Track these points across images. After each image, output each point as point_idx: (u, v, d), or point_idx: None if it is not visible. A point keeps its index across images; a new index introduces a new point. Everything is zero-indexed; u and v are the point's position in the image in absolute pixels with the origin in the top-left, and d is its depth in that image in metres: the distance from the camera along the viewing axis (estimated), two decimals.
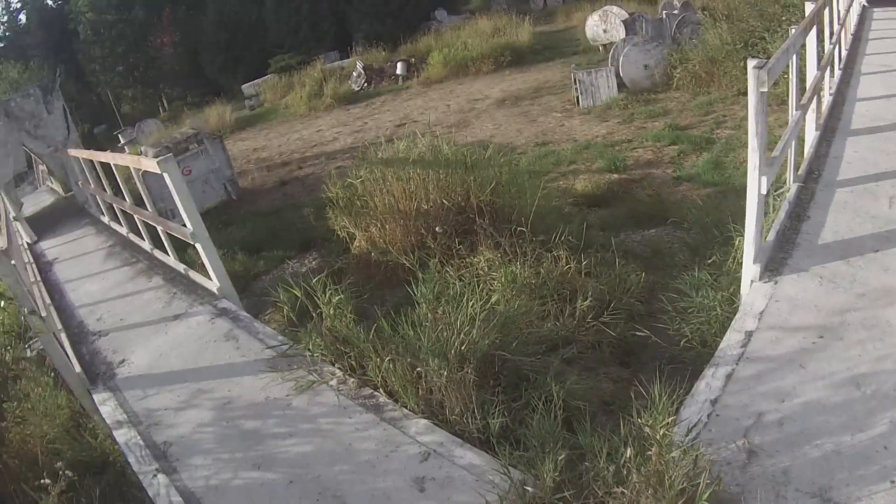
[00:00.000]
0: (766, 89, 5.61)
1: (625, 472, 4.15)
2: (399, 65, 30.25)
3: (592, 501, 4.24)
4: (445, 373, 5.35)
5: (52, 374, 8.26)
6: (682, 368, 5.86)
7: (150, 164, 8.36)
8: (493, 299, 6.59)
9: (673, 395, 4.51)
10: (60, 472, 5.57)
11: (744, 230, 6.17)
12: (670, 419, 4.28)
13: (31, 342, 8.07)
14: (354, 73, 31.49)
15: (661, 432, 4.14)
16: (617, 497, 4.10)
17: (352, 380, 6.22)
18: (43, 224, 16.94)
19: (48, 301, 10.23)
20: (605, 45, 24.42)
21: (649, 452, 4.06)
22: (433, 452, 5.11)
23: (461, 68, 27.39)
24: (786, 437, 4.40)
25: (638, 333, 6.67)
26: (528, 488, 4.37)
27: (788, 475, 4.11)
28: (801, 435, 4.38)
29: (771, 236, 6.60)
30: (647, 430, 4.22)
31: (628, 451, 4.15)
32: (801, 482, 4.05)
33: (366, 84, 30.52)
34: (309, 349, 6.67)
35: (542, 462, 4.42)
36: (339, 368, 6.43)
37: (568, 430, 5.00)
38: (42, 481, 5.60)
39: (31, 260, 13.28)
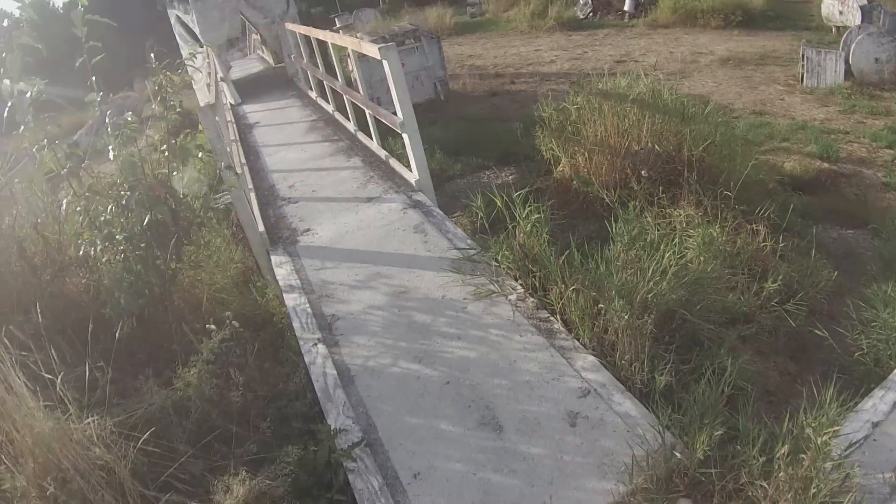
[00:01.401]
0: None
1: (775, 468, 4.09)
2: (628, 1, 29.65)
3: (732, 485, 4.22)
4: (626, 316, 5.30)
5: (234, 228, 8.62)
6: (849, 381, 5.69)
7: (371, 49, 8.49)
8: (688, 256, 6.53)
9: (842, 405, 4.36)
10: (227, 321, 5.85)
11: None
12: (834, 428, 4.14)
13: (221, 195, 8.42)
14: (581, 1, 31.01)
15: (823, 439, 4.04)
16: (757, 489, 4.07)
17: (531, 299, 6.24)
18: (248, 89, 17.51)
19: (243, 161, 10.63)
20: (838, 28, 23.37)
21: (803, 455, 3.99)
22: (593, 391, 5.12)
23: (689, 18, 26.61)
24: None
25: (816, 331, 6.42)
26: (677, 454, 4.35)
27: None
28: None
29: None
30: (809, 430, 4.10)
31: (785, 447, 4.08)
32: None
33: (591, 14, 30.06)
34: (496, 259, 6.75)
35: (697, 432, 4.39)
36: (520, 285, 6.47)
37: (728, 407, 4.94)
38: (208, 325, 5.89)
39: (233, 120, 13.76)
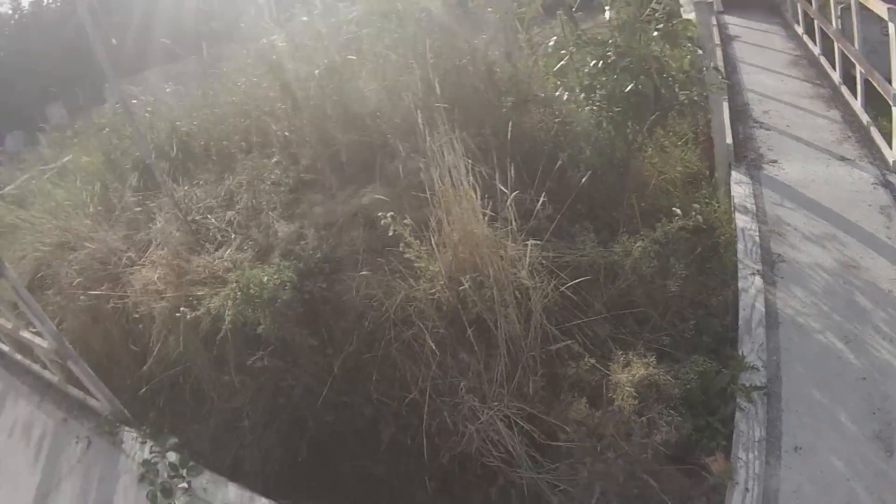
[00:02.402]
0: None
1: None
2: None
3: None
4: None
5: (698, 129, 8.56)
6: None
7: (879, 7, 8.10)
8: None
9: None
10: (693, 213, 5.91)
11: None
12: None
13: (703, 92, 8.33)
14: None
15: None
16: None
17: None
18: (733, 1, 17.01)
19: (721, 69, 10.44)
20: None
21: None
22: None
23: None
24: None
25: None
26: None
27: None
28: None
29: None
30: None
31: None
32: None
33: None
34: None
35: None
36: None
37: None
38: (674, 208, 5.98)
39: (716, 24, 13.51)
